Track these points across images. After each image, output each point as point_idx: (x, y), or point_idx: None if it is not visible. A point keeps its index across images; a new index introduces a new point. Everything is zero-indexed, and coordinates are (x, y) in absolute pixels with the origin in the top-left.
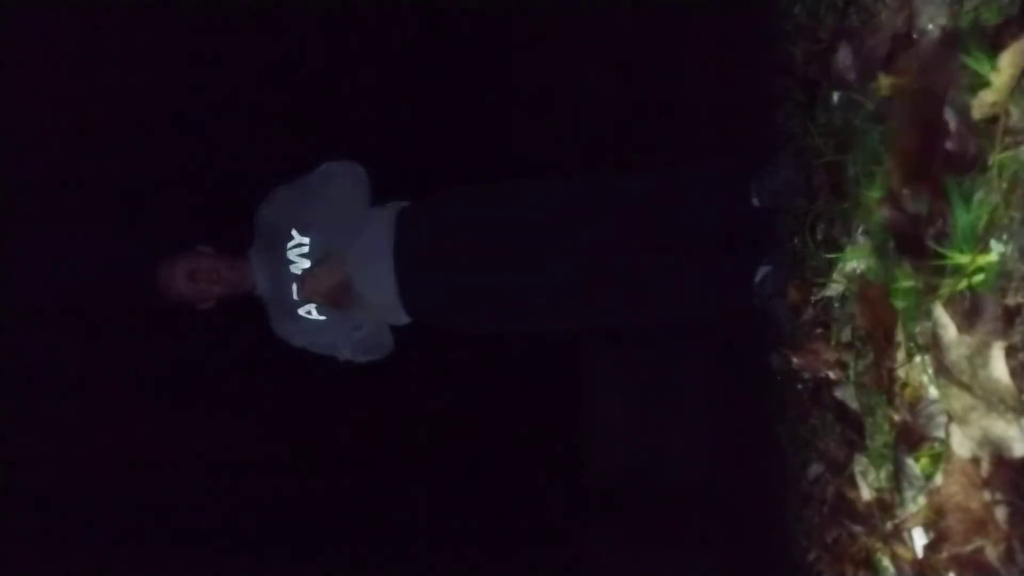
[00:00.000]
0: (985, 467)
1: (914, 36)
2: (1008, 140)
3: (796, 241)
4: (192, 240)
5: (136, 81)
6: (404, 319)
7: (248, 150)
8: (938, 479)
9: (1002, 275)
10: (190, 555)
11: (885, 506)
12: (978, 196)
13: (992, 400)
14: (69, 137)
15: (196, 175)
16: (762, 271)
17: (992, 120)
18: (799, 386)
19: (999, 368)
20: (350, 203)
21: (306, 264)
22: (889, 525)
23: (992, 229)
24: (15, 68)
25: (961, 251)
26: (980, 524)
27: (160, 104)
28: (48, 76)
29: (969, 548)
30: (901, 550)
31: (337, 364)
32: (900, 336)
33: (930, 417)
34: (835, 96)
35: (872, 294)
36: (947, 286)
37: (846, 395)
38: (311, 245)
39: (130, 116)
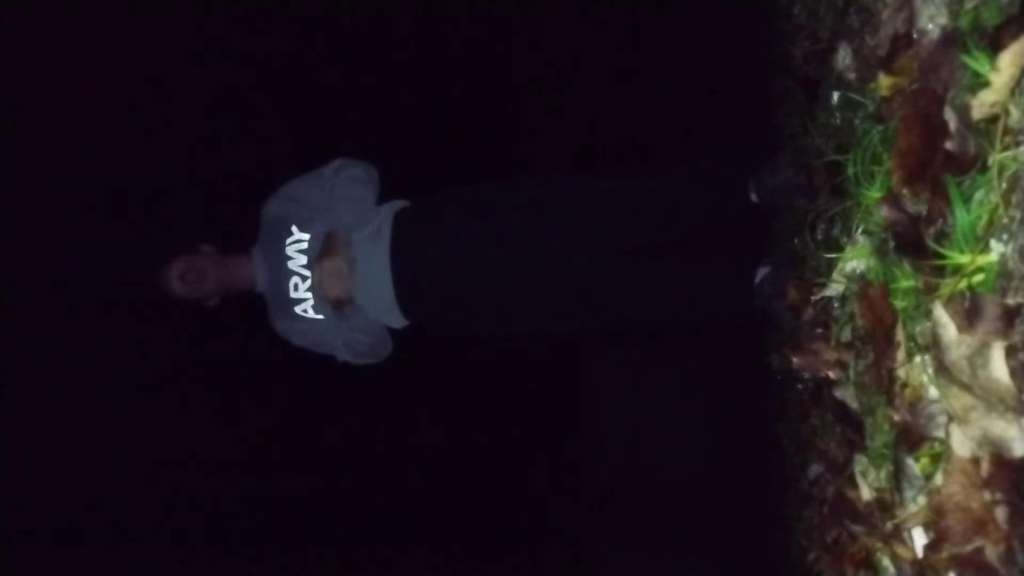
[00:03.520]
0: (985, 467)
1: (914, 36)
2: (1008, 140)
3: (796, 241)
4: (198, 238)
5: (138, 81)
6: (401, 322)
7: (252, 149)
8: (938, 479)
9: (1002, 275)
10: (190, 555)
11: (885, 506)
12: (978, 196)
13: (992, 400)
14: (70, 137)
15: (197, 174)
16: (762, 272)
17: (992, 120)
18: (799, 386)
19: (999, 368)
20: (358, 200)
21: (303, 260)
22: (889, 525)
23: (992, 229)
24: (15, 68)
25: (961, 251)
26: (980, 524)
27: (161, 104)
28: (48, 76)
29: (969, 548)
30: (901, 550)
31: (337, 365)
32: (900, 336)
33: (930, 417)
34: (835, 96)
35: (872, 294)
36: (947, 286)
37: (846, 395)
38: (311, 242)
39: (132, 116)
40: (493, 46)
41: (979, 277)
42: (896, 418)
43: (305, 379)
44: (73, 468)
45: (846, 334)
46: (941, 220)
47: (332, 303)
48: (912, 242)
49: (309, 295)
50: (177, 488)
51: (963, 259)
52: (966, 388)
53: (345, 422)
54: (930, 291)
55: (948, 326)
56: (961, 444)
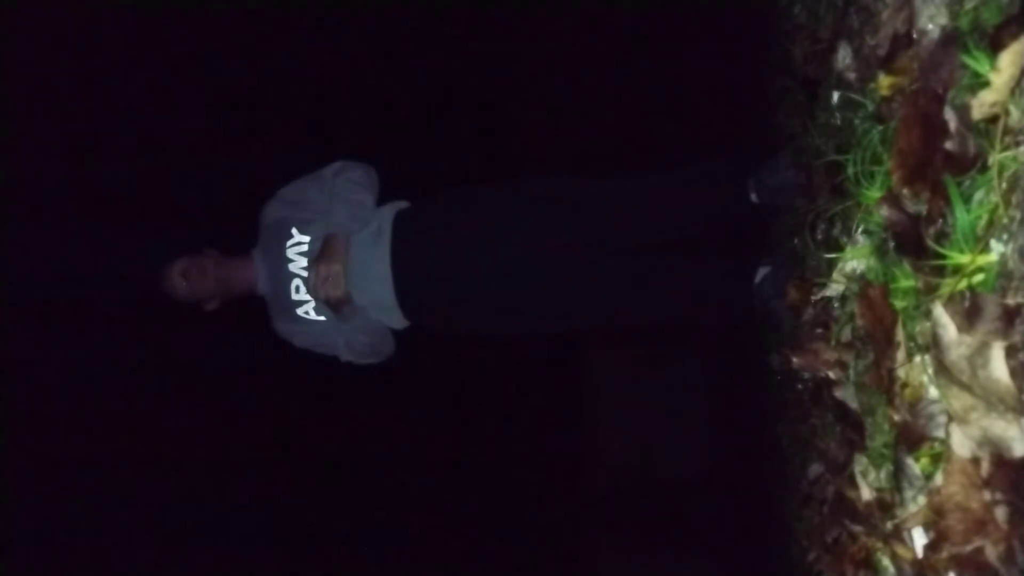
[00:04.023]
0: (985, 467)
1: (914, 36)
2: (1008, 140)
3: (796, 241)
4: (199, 241)
5: (138, 81)
6: (402, 322)
7: (252, 151)
8: (938, 479)
9: (1002, 275)
10: (190, 555)
11: (885, 506)
12: (978, 196)
13: (992, 400)
14: (70, 137)
15: (197, 174)
16: (762, 271)
17: (992, 120)
18: (799, 386)
19: (999, 368)
20: (358, 203)
21: (304, 263)
22: (889, 525)
23: (992, 229)
24: (15, 68)
25: (961, 251)
26: (980, 524)
27: (161, 104)
28: (49, 76)
29: (969, 548)
30: (901, 550)
31: (337, 365)
32: (900, 336)
33: (930, 417)
34: (835, 96)
35: (872, 294)
36: (947, 286)
37: (846, 395)
38: (311, 244)
39: (132, 116)
40: (493, 46)
41: (979, 277)
42: (896, 418)
43: (306, 379)
44: (73, 468)
45: (846, 334)
46: (941, 220)
47: (330, 305)
48: (912, 242)
49: (310, 297)
50: (177, 488)
51: (963, 259)
52: (966, 388)
53: (345, 422)
54: (930, 291)
55: (948, 326)
56: (961, 444)
